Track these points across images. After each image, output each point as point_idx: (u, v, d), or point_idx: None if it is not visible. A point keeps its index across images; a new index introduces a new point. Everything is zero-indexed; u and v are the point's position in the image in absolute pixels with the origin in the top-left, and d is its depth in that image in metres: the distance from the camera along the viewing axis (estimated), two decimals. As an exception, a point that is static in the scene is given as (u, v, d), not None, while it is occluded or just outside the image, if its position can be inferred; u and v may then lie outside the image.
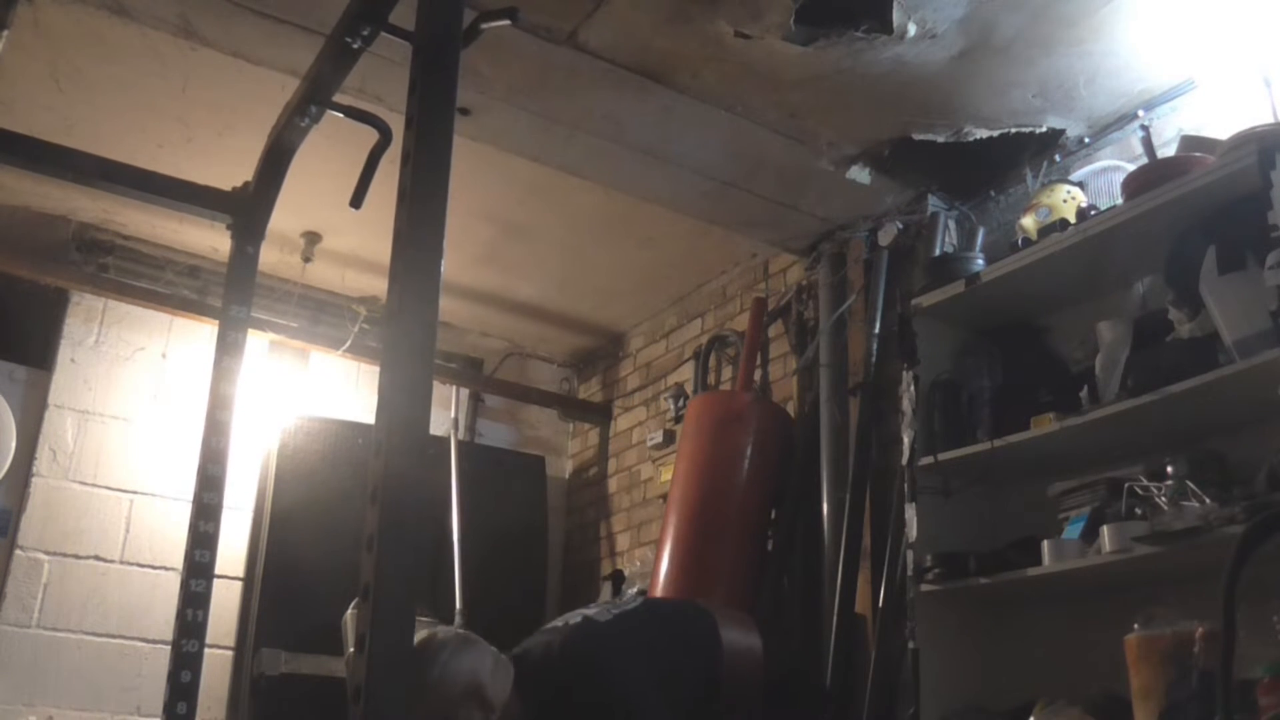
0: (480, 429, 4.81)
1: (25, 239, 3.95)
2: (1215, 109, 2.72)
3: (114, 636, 3.77)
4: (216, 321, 2.30)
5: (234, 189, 2.31)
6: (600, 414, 4.87)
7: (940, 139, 3.14)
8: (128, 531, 3.89)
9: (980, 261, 2.96)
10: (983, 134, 3.11)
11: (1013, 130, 3.09)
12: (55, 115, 3.29)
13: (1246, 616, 1.42)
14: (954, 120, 3.08)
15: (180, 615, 2.04)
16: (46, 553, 3.73)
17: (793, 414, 3.66)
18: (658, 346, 4.62)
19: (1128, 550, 2.28)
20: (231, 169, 2.38)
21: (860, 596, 3.08)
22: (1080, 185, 2.88)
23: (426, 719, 2.05)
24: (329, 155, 2.74)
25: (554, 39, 2.79)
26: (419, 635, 2.05)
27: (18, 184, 3.75)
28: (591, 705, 2.13)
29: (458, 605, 4.01)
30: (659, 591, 3.34)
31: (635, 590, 3.83)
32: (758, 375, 3.90)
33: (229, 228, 2.32)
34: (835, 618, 3.07)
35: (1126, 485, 2.39)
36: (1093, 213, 2.68)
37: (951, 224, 3.34)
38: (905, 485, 2.80)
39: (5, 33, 2.71)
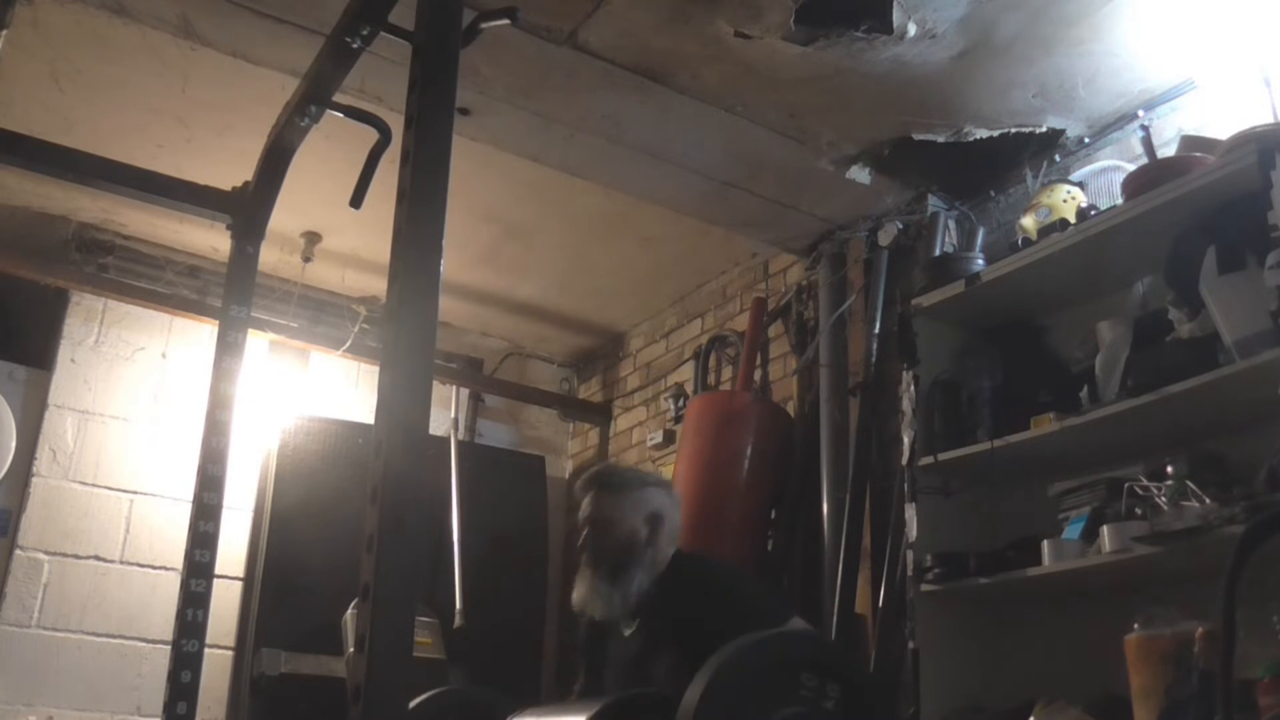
0: (480, 429, 4.81)
1: (25, 239, 3.95)
2: (1215, 109, 2.71)
3: (114, 636, 3.77)
4: (216, 321, 2.30)
5: (234, 189, 2.31)
6: (600, 414, 4.87)
7: (940, 139, 3.14)
8: (128, 531, 3.89)
9: (980, 261, 2.96)
10: (983, 134, 3.11)
11: (1013, 130, 3.09)
12: (55, 115, 3.29)
13: (1246, 616, 1.42)
14: (954, 120, 3.08)
15: (180, 615, 2.04)
16: (46, 553, 3.73)
17: (793, 414, 3.66)
18: (658, 346, 4.62)
19: (1128, 550, 2.27)
20: (231, 169, 2.38)
21: (860, 596, 3.08)
22: (1080, 185, 2.88)
23: (607, 517, 2.35)
24: (329, 155, 2.74)
25: (554, 39, 2.79)
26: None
27: (18, 184, 3.75)
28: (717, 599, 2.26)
29: (458, 605, 4.01)
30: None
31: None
32: (758, 375, 3.90)
33: (229, 228, 2.32)
34: (835, 618, 3.07)
35: (1126, 485, 2.39)
36: (1093, 213, 2.68)
37: (951, 224, 3.34)
38: (905, 485, 2.80)
39: (5, 33, 2.71)
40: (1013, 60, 2.81)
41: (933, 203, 3.37)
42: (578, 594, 2.34)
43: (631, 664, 2.29)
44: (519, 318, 4.78)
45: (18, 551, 3.69)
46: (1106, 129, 3.03)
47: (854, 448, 3.28)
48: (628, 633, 2.32)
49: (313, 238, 4.10)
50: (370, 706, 1.10)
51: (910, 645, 2.65)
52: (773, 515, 3.51)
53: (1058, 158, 3.13)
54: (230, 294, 2.27)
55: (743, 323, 3.99)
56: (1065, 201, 2.78)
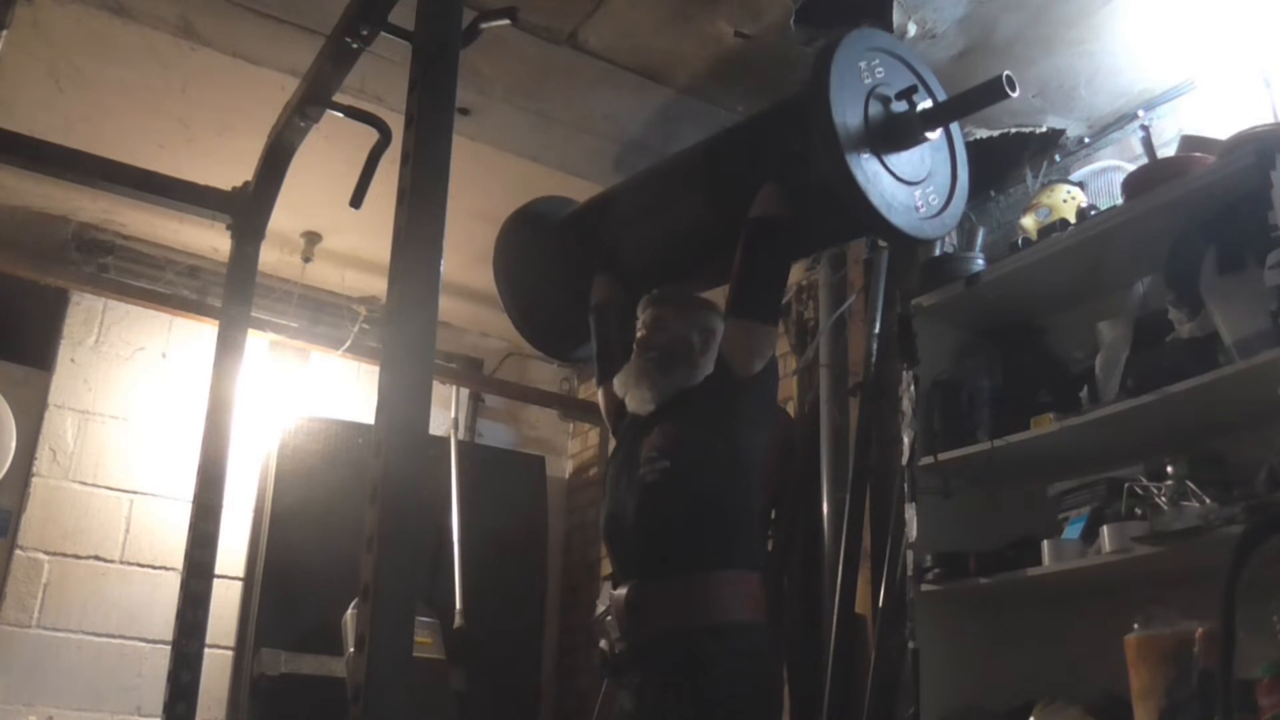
0: (480, 429, 4.81)
1: (25, 239, 3.95)
2: (1215, 109, 2.71)
3: (114, 636, 3.77)
4: (216, 321, 2.30)
5: (234, 189, 2.31)
6: (600, 414, 4.86)
7: (940, 139, 3.14)
8: (128, 531, 3.89)
9: (980, 261, 2.96)
10: (983, 134, 3.11)
11: (1013, 130, 3.09)
12: (55, 115, 3.28)
13: (1246, 616, 1.42)
14: (954, 120, 3.08)
15: (180, 615, 2.05)
16: (46, 553, 3.73)
17: (793, 414, 3.65)
18: (658, 346, 4.60)
19: (1128, 550, 2.27)
20: (231, 169, 2.38)
21: (860, 596, 3.08)
22: (1080, 185, 2.88)
23: (668, 321, 2.39)
24: (329, 155, 2.74)
25: (554, 39, 2.79)
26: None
27: (18, 184, 3.75)
28: None
29: (458, 605, 4.01)
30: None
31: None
32: (758, 375, 3.89)
33: (229, 228, 2.33)
34: (835, 618, 3.07)
35: (1126, 485, 2.39)
36: (1093, 213, 2.68)
37: (951, 224, 3.33)
38: (905, 485, 2.80)
39: (5, 33, 2.71)
40: (1013, 60, 2.80)
41: (933, 203, 3.37)
42: (622, 378, 2.41)
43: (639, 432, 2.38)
44: (519, 318, 4.77)
45: (18, 551, 3.69)
46: (1106, 129, 3.03)
47: (854, 448, 3.28)
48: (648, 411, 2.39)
49: (313, 238, 4.10)
50: (370, 706, 1.10)
51: (910, 645, 2.65)
52: (773, 515, 3.50)
53: (1058, 158, 3.13)
54: (230, 294, 2.28)
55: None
56: (1065, 201, 2.78)
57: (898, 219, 2.07)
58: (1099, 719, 2.31)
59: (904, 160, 2.13)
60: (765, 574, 2.50)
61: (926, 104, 2.17)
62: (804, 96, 2.10)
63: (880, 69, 2.17)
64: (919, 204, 2.17)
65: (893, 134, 2.11)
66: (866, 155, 2.05)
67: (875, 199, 2.02)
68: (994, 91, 2.07)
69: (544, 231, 2.89)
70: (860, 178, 2.01)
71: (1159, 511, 2.25)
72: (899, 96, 2.16)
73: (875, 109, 2.11)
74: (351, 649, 3.47)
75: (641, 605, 2.15)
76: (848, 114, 2.04)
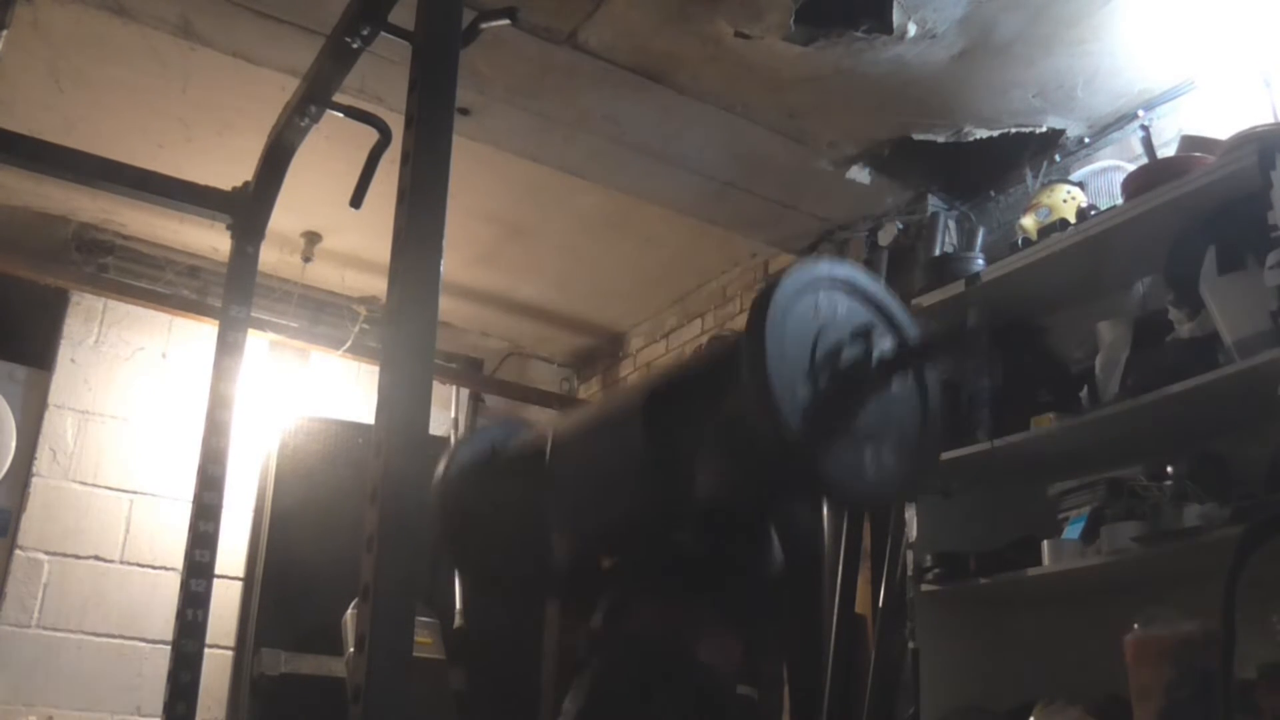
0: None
1: (25, 239, 3.95)
2: (1215, 109, 2.71)
3: (114, 636, 3.77)
4: (216, 321, 2.30)
5: (234, 189, 2.31)
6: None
7: (940, 139, 3.14)
8: (128, 531, 3.89)
9: (980, 261, 2.96)
10: (983, 134, 3.11)
11: (1013, 130, 3.09)
12: (55, 115, 3.28)
13: (1246, 616, 1.42)
14: (954, 120, 3.08)
15: (180, 615, 2.04)
16: (46, 553, 3.73)
17: (793, 414, 3.65)
18: (658, 346, 4.61)
19: (1128, 550, 2.28)
20: (231, 169, 2.38)
21: (860, 596, 3.07)
22: (1080, 185, 2.88)
23: None
24: (329, 155, 2.73)
25: (554, 39, 2.79)
26: None
27: (18, 184, 3.75)
28: None
29: (458, 605, 4.00)
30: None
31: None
32: (758, 375, 3.88)
33: (229, 228, 2.32)
34: (835, 618, 3.07)
35: (1126, 485, 2.39)
36: (1093, 213, 2.68)
37: (951, 224, 3.33)
38: (905, 485, 2.80)
39: (5, 33, 2.71)
40: (1013, 60, 2.81)
41: (933, 203, 3.37)
42: None
43: None
44: (519, 318, 4.78)
45: (18, 551, 3.69)
46: (1106, 129, 3.03)
47: (854, 448, 3.27)
48: None
49: (313, 238, 4.10)
50: (370, 706, 1.10)
51: (910, 645, 2.65)
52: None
53: (1058, 158, 3.13)
54: (230, 294, 2.27)
55: (743, 323, 3.98)
56: (1065, 201, 2.78)
57: (851, 487, 1.69)
58: (1099, 719, 2.31)
59: (861, 413, 1.70)
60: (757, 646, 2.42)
61: (886, 345, 1.75)
62: (739, 348, 1.69)
63: (836, 303, 1.74)
64: (869, 464, 1.70)
65: (846, 387, 1.69)
66: (812, 417, 1.61)
67: (823, 470, 1.60)
68: (965, 348, 1.94)
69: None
70: (807, 450, 1.58)
71: (1159, 511, 2.25)
72: (854, 337, 1.73)
73: (823, 355, 1.66)
74: (351, 649, 3.47)
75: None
76: (789, 367, 1.62)
